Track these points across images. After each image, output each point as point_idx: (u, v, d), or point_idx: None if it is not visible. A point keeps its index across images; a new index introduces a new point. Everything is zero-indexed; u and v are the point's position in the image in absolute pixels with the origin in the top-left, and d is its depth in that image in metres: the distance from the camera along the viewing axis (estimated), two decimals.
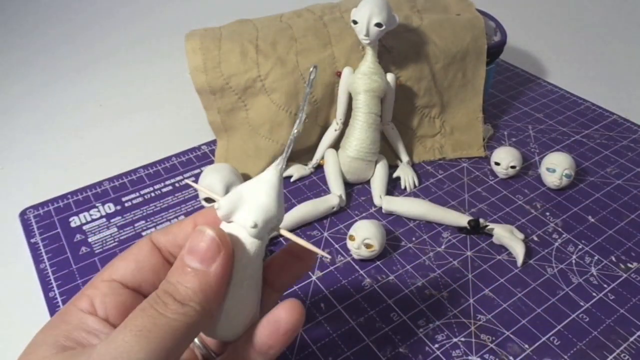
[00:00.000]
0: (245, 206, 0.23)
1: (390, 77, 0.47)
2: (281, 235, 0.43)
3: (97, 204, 0.48)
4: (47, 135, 0.59)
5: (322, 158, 0.50)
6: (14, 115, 0.62)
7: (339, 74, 0.48)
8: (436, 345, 0.35)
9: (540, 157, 0.52)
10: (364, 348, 0.35)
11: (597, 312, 0.38)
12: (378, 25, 0.43)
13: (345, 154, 0.47)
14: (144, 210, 0.47)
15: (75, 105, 0.64)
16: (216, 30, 0.49)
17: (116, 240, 0.44)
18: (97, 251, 0.43)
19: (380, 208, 0.46)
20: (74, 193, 0.49)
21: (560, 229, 0.44)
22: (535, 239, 0.44)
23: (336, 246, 0.43)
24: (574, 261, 0.42)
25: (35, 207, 0.48)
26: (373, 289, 0.39)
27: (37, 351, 0.22)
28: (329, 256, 0.24)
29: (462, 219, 0.44)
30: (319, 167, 0.50)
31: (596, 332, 0.36)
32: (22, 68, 0.72)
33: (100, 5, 0.89)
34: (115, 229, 0.45)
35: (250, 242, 0.23)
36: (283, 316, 0.24)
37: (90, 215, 0.47)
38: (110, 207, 0.47)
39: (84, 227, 0.45)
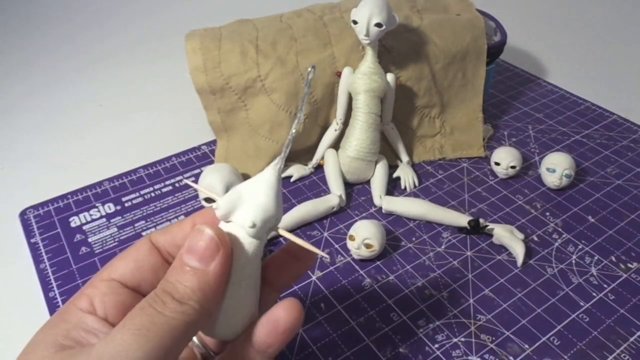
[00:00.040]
0: (243, 206, 0.23)
1: (390, 77, 0.47)
2: (281, 236, 0.43)
3: (97, 204, 0.48)
4: (47, 135, 0.59)
5: (322, 158, 0.50)
6: (14, 115, 0.62)
7: (339, 74, 0.48)
8: (436, 345, 0.35)
9: (540, 157, 0.52)
10: (364, 348, 0.35)
11: (597, 312, 0.38)
12: (378, 25, 0.43)
13: (345, 154, 0.47)
14: (144, 210, 0.47)
15: (75, 106, 0.64)
16: (216, 30, 0.49)
17: (116, 240, 0.44)
18: (97, 251, 0.43)
19: (380, 208, 0.46)
20: (74, 193, 0.49)
21: (560, 229, 0.44)
22: (535, 239, 0.44)
23: (336, 246, 0.43)
24: (574, 261, 0.42)
25: (35, 207, 0.48)
26: (373, 289, 0.39)
27: (36, 350, 0.22)
28: (327, 256, 0.25)
29: (462, 219, 0.44)
30: (319, 167, 0.50)
31: (596, 332, 0.36)
32: (22, 68, 0.72)
33: (100, 5, 0.89)
34: (115, 229, 0.45)
35: (248, 242, 0.24)
36: (282, 315, 0.24)
37: (90, 215, 0.47)
38: (110, 207, 0.47)
39: (84, 227, 0.45)
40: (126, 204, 0.48)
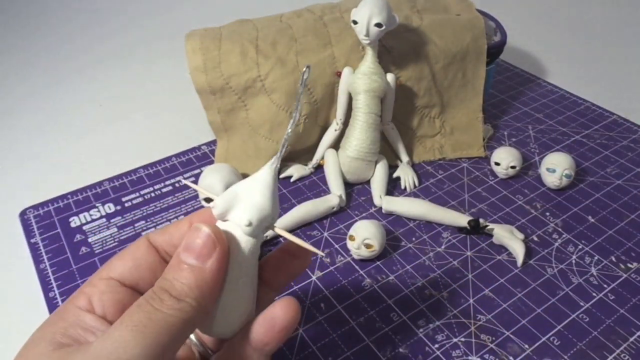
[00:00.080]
0: (240, 205, 0.24)
1: (390, 77, 0.47)
2: (280, 236, 0.43)
3: (97, 204, 0.48)
4: (47, 135, 0.59)
5: (322, 158, 0.50)
6: (14, 116, 0.62)
7: (339, 74, 0.48)
8: (436, 346, 0.35)
9: (540, 157, 0.52)
10: (364, 348, 0.35)
11: (597, 312, 0.38)
12: (378, 25, 0.43)
13: (345, 154, 0.47)
14: (144, 211, 0.47)
15: (75, 106, 0.64)
16: (216, 30, 0.49)
17: (116, 240, 0.44)
18: (97, 251, 0.43)
19: (380, 208, 0.46)
20: (74, 193, 0.49)
21: (560, 229, 0.44)
22: (535, 239, 0.44)
23: (336, 246, 0.43)
24: (574, 261, 0.42)
25: (35, 207, 0.48)
26: (373, 289, 0.39)
27: (34, 348, 0.22)
28: (323, 254, 0.25)
29: (462, 219, 0.44)
30: (319, 167, 0.50)
31: (596, 332, 0.36)
32: (22, 69, 0.72)
33: (100, 5, 0.89)
34: (115, 229, 0.45)
35: (245, 240, 0.24)
36: (279, 314, 0.24)
37: (90, 215, 0.47)
38: (110, 207, 0.47)
39: (84, 227, 0.45)
40: (126, 204, 0.48)
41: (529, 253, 0.42)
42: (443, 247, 0.43)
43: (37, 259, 0.42)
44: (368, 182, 0.49)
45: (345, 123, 0.49)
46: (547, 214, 0.46)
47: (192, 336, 0.28)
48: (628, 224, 0.45)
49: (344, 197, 0.46)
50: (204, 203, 0.47)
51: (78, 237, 0.44)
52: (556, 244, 0.43)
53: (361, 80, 0.45)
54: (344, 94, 0.48)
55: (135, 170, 0.52)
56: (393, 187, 0.49)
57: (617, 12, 0.84)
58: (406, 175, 0.49)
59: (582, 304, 0.38)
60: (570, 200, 0.47)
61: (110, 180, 0.50)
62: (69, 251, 0.43)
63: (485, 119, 0.55)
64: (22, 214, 0.47)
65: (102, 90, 0.67)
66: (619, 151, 0.53)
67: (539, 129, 0.57)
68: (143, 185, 0.50)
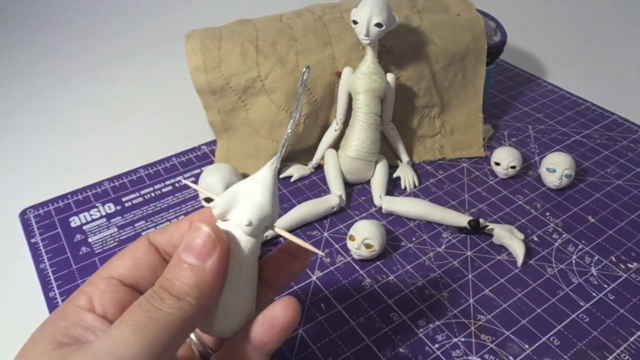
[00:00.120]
0: (240, 205, 0.24)
1: (390, 77, 0.47)
2: (280, 236, 0.43)
3: (97, 204, 0.48)
4: (47, 135, 0.59)
5: (322, 158, 0.50)
6: (15, 116, 0.62)
7: (339, 74, 0.48)
8: (436, 345, 0.35)
9: (540, 157, 0.52)
10: (364, 348, 0.35)
11: (597, 312, 0.38)
12: (378, 25, 0.43)
13: (345, 154, 0.47)
14: (144, 210, 0.47)
15: (75, 106, 0.64)
16: (216, 30, 0.49)
17: (116, 240, 0.44)
18: (97, 251, 0.43)
19: (380, 208, 0.46)
20: (74, 193, 0.49)
21: (560, 229, 0.44)
22: (535, 239, 0.44)
23: (336, 246, 0.43)
24: (574, 261, 0.42)
25: (35, 207, 0.48)
26: (373, 289, 0.39)
27: (35, 347, 0.22)
28: (322, 254, 0.25)
29: (462, 219, 0.44)
30: (319, 167, 0.50)
31: (596, 332, 0.36)
32: (22, 69, 0.72)
33: (100, 6, 0.89)
34: (116, 229, 0.45)
35: (245, 240, 0.24)
36: (279, 313, 0.24)
37: (90, 215, 0.47)
38: (110, 207, 0.47)
39: (84, 227, 0.45)
40: (126, 204, 0.48)
41: (529, 253, 0.42)
42: (443, 247, 0.43)
43: (37, 259, 0.42)
44: (368, 182, 0.49)
45: (345, 123, 0.49)
46: (547, 214, 0.46)
47: (192, 335, 0.28)
48: (628, 224, 0.45)
49: (344, 197, 0.46)
50: (204, 203, 0.47)
51: (78, 237, 0.44)
52: (556, 244, 0.43)
53: (361, 80, 0.45)
54: (344, 94, 0.48)
55: (135, 170, 0.52)
56: (393, 187, 0.49)
57: (617, 12, 0.84)
58: (406, 175, 0.49)
59: (582, 304, 0.38)
60: (570, 200, 0.47)
61: (110, 180, 0.50)
62: (69, 251, 0.43)
63: (485, 119, 0.55)
64: (22, 214, 0.47)
65: (102, 90, 0.67)
66: (619, 151, 0.53)
67: (539, 129, 0.57)
68: (143, 185, 0.50)
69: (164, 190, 0.49)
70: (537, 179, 0.50)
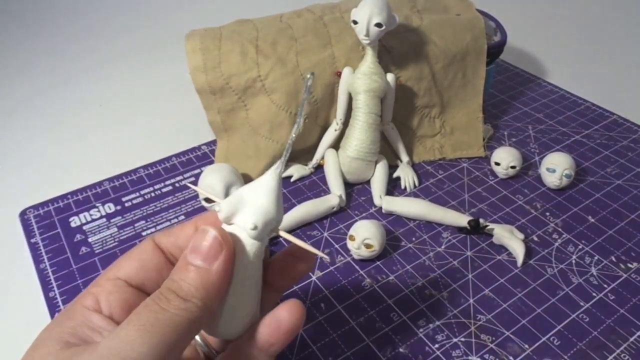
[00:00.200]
0: (245, 209, 0.24)
1: (390, 77, 0.47)
2: (280, 236, 0.43)
3: (97, 204, 0.48)
4: (47, 135, 0.59)
5: (322, 158, 0.50)
6: (15, 116, 0.62)
7: (339, 74, 0.48)
8: (436, 345, 0.35)
9: (540, 157, 0.52)
10: (364, 348, 0.35)
11: (597, 312, 0.38)
12: (378, 25, 0.43)
13: (345, 154, 0.47)
14: (144, 210, 0.47)
15: (75, 106, 0.64)
16: (216, 30, 0.49)
17: (116, 240, 0.44)
18: (97, 251, 0.43)
19: (380, 208, 0.46)
20: (74, 193, 0.49)
21: (560, 229, 0.44)
22: (535, 239, 0.44)
23: (336, 246, 0.43)
24: (574, 261, 0.42)
25: (35, 207, 0.48)
26: (373, 289, 0.39)
27: (42, 347, 0.22)
28: (327, 257, 0.25)
29: (462, 219, 0.44)
30: (319, 167, 0.50)
31: (596, 332, 0.36)
32: (23, 69, 0.72)
33: (100, 6, 0.89)
34: (116, 229, 0.45)
35: (250, 243, 0.24)
36: (284, 316, 0.25)
37: (90, 215, 0.47)
38: (110, 207, 0.47)
39: (84, 227, 0.45)
40: (126, 204, 0.48)
41: (529, 253, 0.42)
42: (443, 247, 0.43)
43: (37, 259, 0.43)
44: (368, 182, 0.49)
45: (345, 123, 0.49)
46: (547, 214, 0.46)
47: (197, 337, 0.28)
48: (628, 224, 0.45)
49: (344, 197, 0.46)
50: (204, 203, 0.47)
51: (78, 237, 0.44)
52: (556, 244, 0.43)
53: (361, 80, 0.45)
54: (344, 94, 0.48)
55: (135, 170, 0.52)
56: (393, 187, 0.49)
57: (617, 12, 0.84)
58: (406, 175, 0.49)
59: (582, 304, 0.38)
60: (570, 200, 0.47)
61: (110, 180, 0.50)
62: (69, 251, 0.43)
63: (485, 119, 0.55)
64: (22, 214, 0.47)
65: (102, 90, 0.67)
66: (619, 151, 0.53)
67: (539, 129, 0.57)
68: (143, 185, 0.50)
69: (164, 190, 0.49)
70: (537, 179, 0.50)
